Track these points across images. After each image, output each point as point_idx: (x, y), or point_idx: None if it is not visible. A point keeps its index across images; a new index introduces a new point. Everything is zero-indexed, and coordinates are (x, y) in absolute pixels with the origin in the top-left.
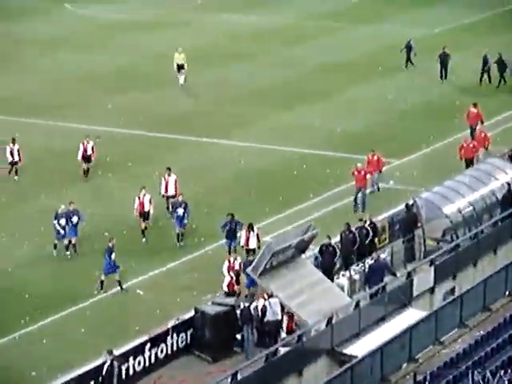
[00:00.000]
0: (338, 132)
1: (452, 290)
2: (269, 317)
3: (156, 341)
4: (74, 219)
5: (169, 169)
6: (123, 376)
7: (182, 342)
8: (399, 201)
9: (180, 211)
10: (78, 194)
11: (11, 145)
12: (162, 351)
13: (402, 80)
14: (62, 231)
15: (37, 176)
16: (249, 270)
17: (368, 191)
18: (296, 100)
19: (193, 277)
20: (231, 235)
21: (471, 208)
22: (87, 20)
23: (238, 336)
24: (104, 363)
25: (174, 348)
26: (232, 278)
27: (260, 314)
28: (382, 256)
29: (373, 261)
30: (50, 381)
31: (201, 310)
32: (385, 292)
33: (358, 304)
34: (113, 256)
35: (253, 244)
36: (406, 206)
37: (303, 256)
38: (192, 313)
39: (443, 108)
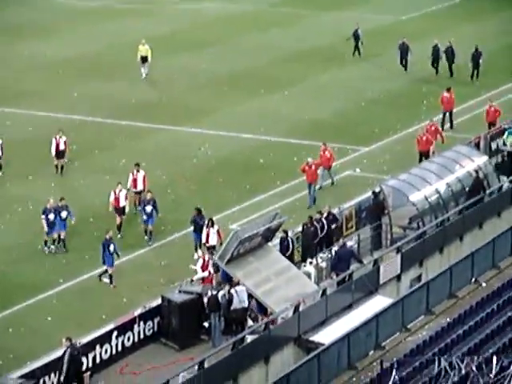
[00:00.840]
0: (306, 119)
1: (418, 277)
2: (235, 304)
3: (123, 329)
4: (63, 214)
5: (137, 165)
6: (86, 364)
7: (148, 330)
8: (366, 188)
9: (148, 208)
10: (44, 182)
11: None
12: (128, 339)
13: (369, 67)
14: (48, 226)
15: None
16: (215, 257)
17: (317, 187)
18: (263, 87)
19: (160, 265)
20: (198, 230)
21: (437, 195)
22: (53, 7)
23: (205, 324)
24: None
25: (141, 336)
26: (210, 273)
27: (227, 301)
28: (349, 243)
29: (339, 247)
30: (16, 369)
31: (168, 298)
32: (351, 279)
33: (324, 291)
34: (111, 248)
35: (213, 240)
36: (373, 193)
37: (270, 244)
38: (159, 301)
39: (410, 95)
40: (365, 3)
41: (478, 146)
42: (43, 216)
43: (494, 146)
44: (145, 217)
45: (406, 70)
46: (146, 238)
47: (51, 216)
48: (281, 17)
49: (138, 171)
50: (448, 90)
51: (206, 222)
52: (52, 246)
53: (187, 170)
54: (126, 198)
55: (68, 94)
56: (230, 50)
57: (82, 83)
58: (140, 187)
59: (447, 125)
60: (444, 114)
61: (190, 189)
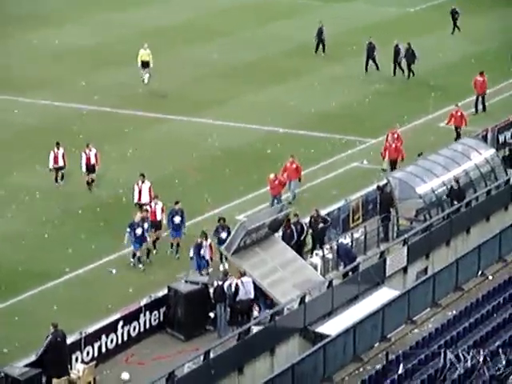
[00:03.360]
0: (313, 111)
1: (425, 270)
2: (241, 296)
3: (129, 319)
4: (145, 225)
5: (142, 175)
6: (91, 353)
7: (154, 320)
8: (373, 180)
9: (177, 219)
10: (52, 172)
11: (55, 149)
12: (134, 329)
13: (378, 58)
14: (136, 241)
15: (8, 153)
16: (222, 248)
17: (284, 198)
18: (271, 78)
19: (166, 254)
20: (223, 242)
21: (444, 188)
22: None
23: (211, 314)
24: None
25: (147, 326)
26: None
27: (233, 292)
28: (355, 235)
29: (336, 245)
30: (22, 358)
31: (174, 288)
32: (358, 271)
33: (331, 283)
34: (202, 252)
35: (206, 255)
36: (378, 187)
37: (276, 235)
38: (165, 291)
39: (418, 88)
40: None
41: (485, 138)
42: (129, 229)
43: (501, 138)
44: (172, 228)
45: (373, 69)
46: (171, 250)
47: (139, 230)
48: (290, 8)
49: (143, 182)
50: (481, 73)
51: (199, 237)
52: (140, 265)
53: (195, 161)
54: (163, 211)
55: (76, 84)
56: (240, 40)
57: (90, 73)
58: (145, 199)
59: (480, 107)
60: (477, 98)
61: (197, 179)
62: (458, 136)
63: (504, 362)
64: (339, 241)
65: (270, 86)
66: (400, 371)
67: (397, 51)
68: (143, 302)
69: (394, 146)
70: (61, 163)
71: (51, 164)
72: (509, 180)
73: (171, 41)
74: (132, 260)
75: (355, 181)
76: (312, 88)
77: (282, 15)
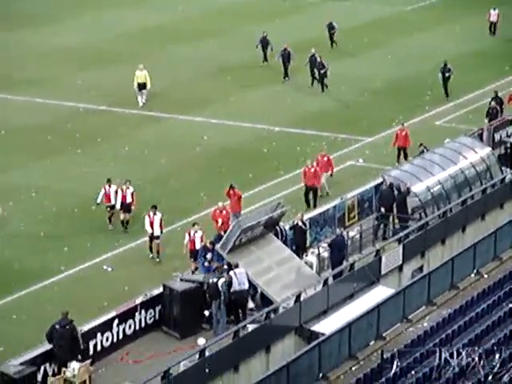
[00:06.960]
0: (309, 110)
1: (420, 268)
2: (235, 287)
3: (124, 317)
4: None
5: (154, 207)
6: (87, 351)
7: (150, 319)
8: (368, 179)
9: (209, 256)
10: (47, 169)
11: (107, 186)
12: (129, 327)
13: (374, 57)
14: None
15: (3, 152)
16: (217, 246)
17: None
18: (265, 78)
19: (162, 253)
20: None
21: (440, 186)
22: None
23: (207, 312)
24: None
25: (142, 324)
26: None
27: (227, 285)
28: (351, 234)
29: (334, 237)
30: (17, 356)
31: (169, 287)
32: (353, 269)
33: (326, 281)
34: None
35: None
36: (383, 184)
37: (272, 233)
38: (160, 289)
39: (415, 86)
40: None
41: (481, 137)
42: (201, 259)
43: (497, 137)
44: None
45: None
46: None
47: (209, 255)
48: (283, 7)
49: (154, 214)
50: None
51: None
52: None
53: (191, 159)
54: (202, 240)
55: (72, 82)
56: (236, 39)
57: (87, 71)
58: (157, 232)
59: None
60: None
61: (193, 178)
62: (406, 157)
63: (499, 360)
64: (342, 233)
65: (265, 84)
66: (395, 369)
67: (312, 61)
68: (139, 300)
69: (313, 170)
70: (113, 201)
71: (99, 199)
72: (504, 178)
73: (164, 40)
74: None
75: (351, 179)
76: (307, 87)
77: (276, 15)
